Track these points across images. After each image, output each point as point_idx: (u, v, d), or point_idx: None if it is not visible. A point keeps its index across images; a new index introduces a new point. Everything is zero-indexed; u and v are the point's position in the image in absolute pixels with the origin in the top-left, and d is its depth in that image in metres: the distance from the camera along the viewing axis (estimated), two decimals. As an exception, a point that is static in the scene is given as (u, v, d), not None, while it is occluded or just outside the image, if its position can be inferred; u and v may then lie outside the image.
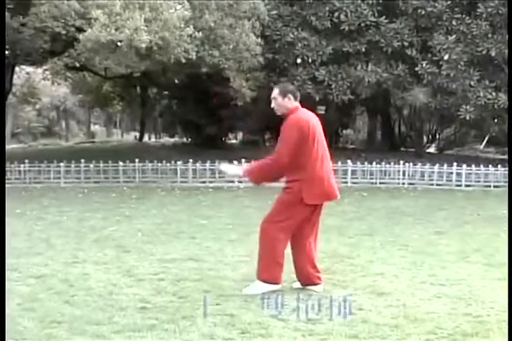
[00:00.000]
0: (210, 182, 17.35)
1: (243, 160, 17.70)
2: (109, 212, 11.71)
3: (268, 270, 5.62)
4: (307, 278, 5.79)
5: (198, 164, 17.68)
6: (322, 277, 5.86)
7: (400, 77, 20.04)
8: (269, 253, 5.62)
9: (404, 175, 17.99)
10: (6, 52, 18.67)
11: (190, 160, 17.79)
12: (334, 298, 5.42)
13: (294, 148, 5.50)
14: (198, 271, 6.47)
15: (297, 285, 5.85)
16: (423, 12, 19.46)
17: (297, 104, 5.71)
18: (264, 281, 5.61)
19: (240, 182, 17.46)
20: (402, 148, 29.58)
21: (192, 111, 24.42)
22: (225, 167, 6.41)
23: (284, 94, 5.65)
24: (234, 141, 36.61)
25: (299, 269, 5.81)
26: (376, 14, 19.87)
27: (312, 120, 5.68)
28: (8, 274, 6.41)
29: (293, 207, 5.61)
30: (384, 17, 19.80)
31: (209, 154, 20.03)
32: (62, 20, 16.03)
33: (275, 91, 5.70)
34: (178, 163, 17.84)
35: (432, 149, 30.97)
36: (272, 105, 5.73)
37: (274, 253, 5.60)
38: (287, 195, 5.66)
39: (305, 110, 5.74)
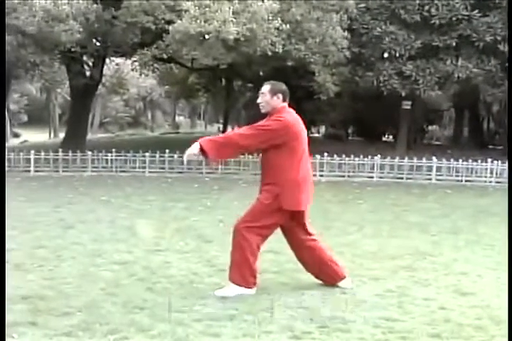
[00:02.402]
0: (292, 175, 17.34)
1: (325, 154, 17.67)
2: (192, 202, 11.86)
3: (240, 273, 5.36)
4: (334, 275, 5.63)
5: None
6: (347, 270, 5.74)
7: (492, 72, 19.47)
8: (241, 256, 5.35)
9: (491, 173, 17.49)
10: (98, 44, 19.18)
11: (273, 153, 17.79)
12: (415, 296, 5.34)
13: (264, 140, 5.33)
14: (276, 263, 6.46)
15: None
16: (518, 5, 18.83)
17: (285, 104, 5.50)
18: (237, 284, 5.34)
19: (322, 175, 17.40)
20: (490, 146, 28.82)
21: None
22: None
23: (274, 92, 5.43)
24: (317, 135, 36.54)
25: (319, 271, 5.65)
26: (469, 7, 19.36)
27: (300, 123, 5.49)
28: (92, 259, 6.60)
29: (270, 212, 5.35)
30: (477, 10, 19.27)
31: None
32: (152, 15, 16.33)
33: (266, 88, 5.48)
34: (260, 155, 17.83)
35: (522, 147, 30.00)
36: (259, 100, 5.49)
37: (246, 256, 5.34)
38: (266, 198, 5.37)
39: (292, 111, 5.53)
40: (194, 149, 5.21)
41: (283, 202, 5.33)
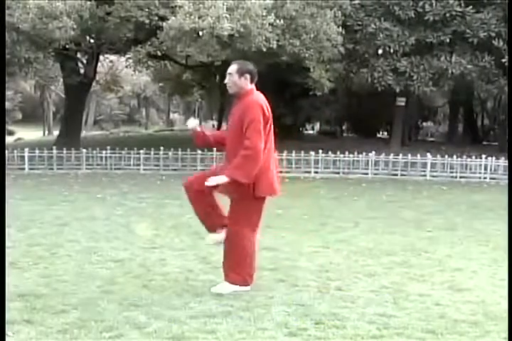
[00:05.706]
0: (287, 172, 17.32)
1: (320, 150, 17.68)
2: (187, 199, 11.81)
3: (238, 272, 5.29)
4: (217, 220, 5.46)
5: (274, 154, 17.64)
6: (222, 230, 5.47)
7: (486, 68, 19.50)
8: (240, 255, 5.28)
9: (486, 169, 17.54)
10: (91, 41, 19.14)
11: (267, 150, 17.78)
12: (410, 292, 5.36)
13: (262, 131, 5.08)
14: (273, 260, 6.46)
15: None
16: (512, 1, 18.84)
17: (253, 86, 5.27)
18: (233, 283, 5.29)
19: (316, 172, 17.42)
20: (485, 142, 28.89)
21: (270, 100, 24.39)
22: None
23: (241, 72, 5.18)
24: (311, 131, 36.53)
25: (205, 213, 5.56)
26: (462, 4, 19.36)
27: (268, 108, 5.24)
28: (88, 257, 6.59)
29: (249, 203, 5.20)
30: (470, 7, 19.27)
31: (285, 144, 20.00)
32: (146, 10, 16.31)
33: (233, 67, 5.23)
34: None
35: (516, 143, 30.10)
36: (226, 81, 5.25)
37: (244, 255, 5.29)
38: (239, 191, 5.14)
39: (260, 93, 5.29)
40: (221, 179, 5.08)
41: (255, 188, 5.15)
